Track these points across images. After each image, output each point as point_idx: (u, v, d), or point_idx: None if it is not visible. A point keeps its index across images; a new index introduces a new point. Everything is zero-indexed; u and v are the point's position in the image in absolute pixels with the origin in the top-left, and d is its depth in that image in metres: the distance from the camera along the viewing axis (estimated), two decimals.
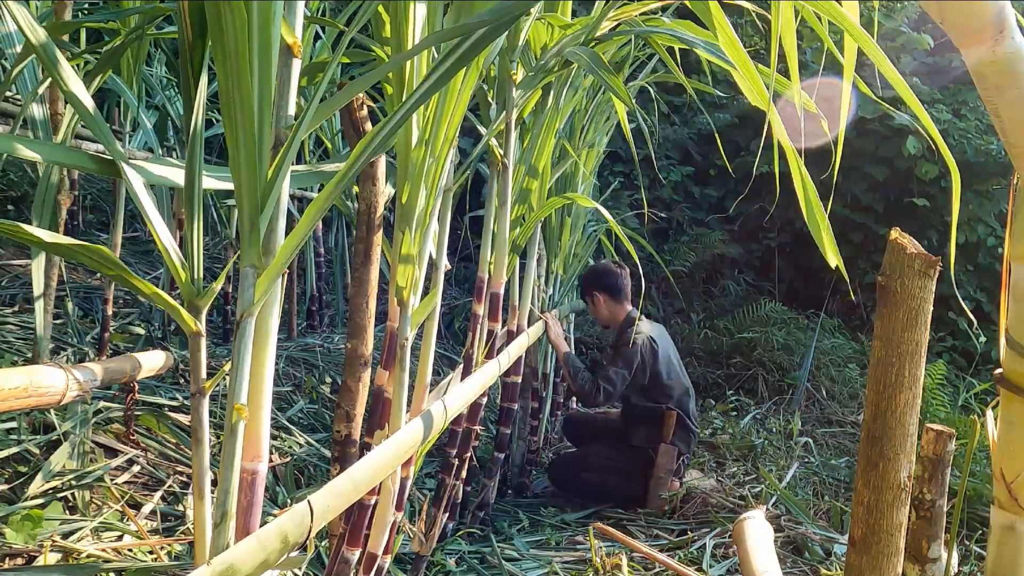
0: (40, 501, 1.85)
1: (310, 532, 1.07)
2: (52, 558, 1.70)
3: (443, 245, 1.83)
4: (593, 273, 3.47)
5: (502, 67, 2.05)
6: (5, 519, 1.74)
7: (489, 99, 2.14)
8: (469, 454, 2.37)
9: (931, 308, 0.95)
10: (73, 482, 1.96)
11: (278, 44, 0.94)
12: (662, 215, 6.16)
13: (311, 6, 3.04)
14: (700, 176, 6.83)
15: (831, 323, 5.87)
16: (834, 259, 1.66)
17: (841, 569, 2.49)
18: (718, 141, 3.04)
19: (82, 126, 2.39)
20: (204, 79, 1.02)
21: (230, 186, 0.98)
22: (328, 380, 3.42)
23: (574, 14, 2.25)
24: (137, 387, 2.13)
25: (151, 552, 1.87)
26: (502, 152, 2.12)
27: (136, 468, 2.17)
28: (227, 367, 0.99)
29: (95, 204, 4.54)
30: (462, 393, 1.92)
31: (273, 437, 2.66)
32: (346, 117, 1.54)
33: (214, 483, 0.99)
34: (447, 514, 2.35)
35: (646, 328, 3.28)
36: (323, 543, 2.15)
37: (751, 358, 5.30)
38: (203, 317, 1.01)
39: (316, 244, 4.25)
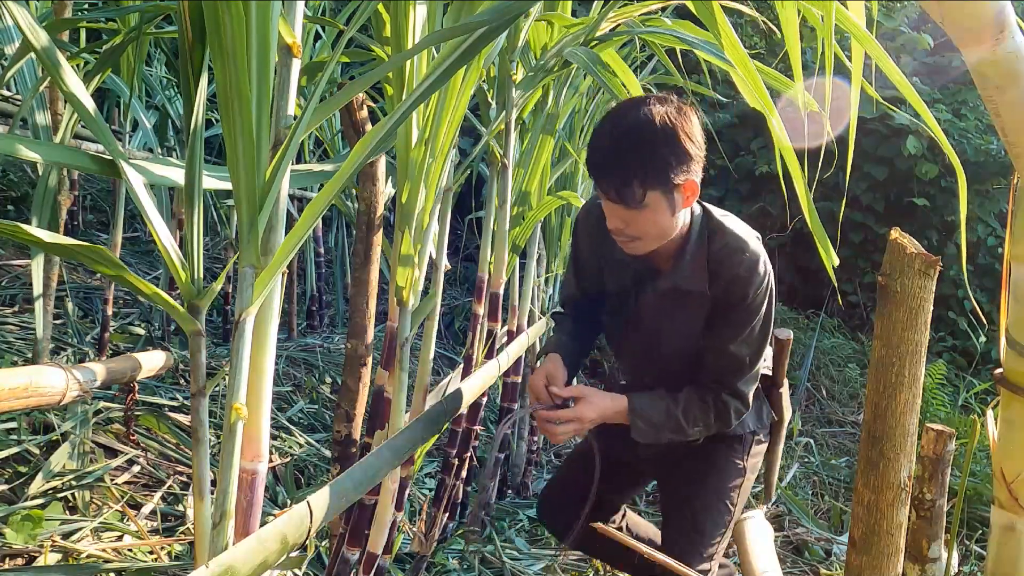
0: (40, 501, 1.85)
1: (309, 533, 1.07)
2: (52, 558, 1.70)
3: (443, 245, 1.83)
4: (649, 140, 1.40)
5: (502, 67, 2.05)
6: (5, 519, 1.74)
7: (489, 99, 2.15)
8: (469, 454, 2.37)
9: (931, 308, 0.94)
10: (73, 482, 1.95)
11: (276, 44, 0.94)
12: None
13: (311, 5, 3.04)
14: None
15: (831, 323, 5.87)
16: (832, 261, 1.66)
17: (841, 569, 2.49)
18: (717, 142, 3.04)
19: (82, 126, 2.39)
20: (204, 79, 1.02)
21: (230, 186, 0.98)
22: (328, 380, 3.42)
23: (574, 14, 2.25)
24: (137, 387, 2.12)
25: (151, 552, 1.87)
26: (502, 152, 2.12)
27: (136, 468, 2.17)
28: (227, 367, 0.99)
29: (95, 204, 4.54)
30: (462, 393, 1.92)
31: (273, 437, 2.66)
32: (346, 117, 1.54)
33: (214, 483, 0.99)
34: (447, 514, 2.35)
35: (751, 239, 1.56)
36: (323, 543, 2.15)
37: None
38: (203, 317, 1.01)
39: (316, 244, 4.24)
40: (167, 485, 2.15)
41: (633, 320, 1.65)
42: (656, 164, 1.39)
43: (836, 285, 1.86)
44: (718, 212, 1.57)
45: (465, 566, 2.38)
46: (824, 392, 4.98)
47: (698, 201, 1.53)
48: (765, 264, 1.53)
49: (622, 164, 1.40)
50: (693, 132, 1.43)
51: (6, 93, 2.74)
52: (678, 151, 1.39)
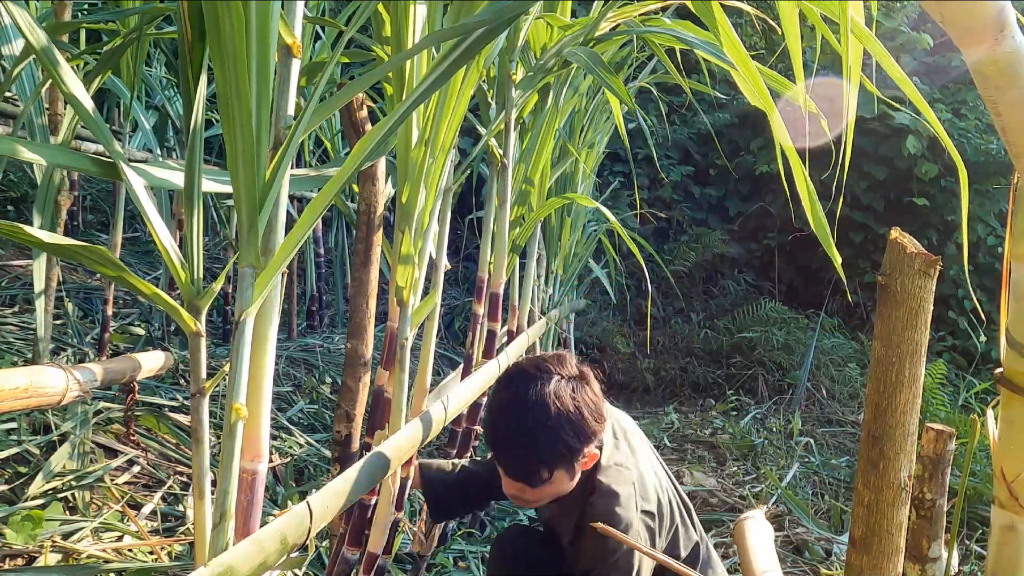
0: (40, 501, 1.85)
1: (309, 533, 1.07)
2: (52, 558, 1.70)
3: (443, 245, 1.83)
4: (529, 428, 1.39)
5: (502, 67, 2.05)
6: (5, 519, 1.74)
7: (489, 99, 2.14)
8: (469, 454, 2.37)
9: (931, 308, 0.94)
10: (73, 482, 1.95)
11: (276, 44, 0.94)
12: (662, 215, 6.16)
13: (311, 5, 3.04)
14: (700, 176, 6.83)
15: (831, 323, 5.87)
16: (836, 259, 1.66)
17: (841, 569, 2.49)
18: (716, 142, 3.03)
19: (82, 126, 2.39)
20: (204, 79, 1.02)
21: (230, 189, 0.98)
22: (328, 380, 3.42)
23: (574, 14, 2.25)
24: (137, 387, 2.12)
25: (151, 552, 1.87)
26: (502, 152, 2.12)
27: (136, 468, 2.17)
28: (227, 367, 0.99)
29: (95, 204, 4.54)
30: (462, 393, 1.92)
31: (273, 437, 2.66)
32: (346, 117, 1.54)
33: (214, 483, 0.99)
34: None
35: (627, 471, 1.50)
36: (323, 543, 2.15)
37: (751, 358, 5.31)
38: (203, 317, 1.01)
39: (316, 244, 4.24)
40: (167, 485, 2.15)
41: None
42: (561, 450, 1.37)
43: (845, 284, 1.86)
44: (605, 461, 1.49)
45: (465, 566, 2.38)
46: (824, 392, 4.98)
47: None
48: (630, 521, 1.45)
49: (527, 450, 1.36)
50: (595, 403, 1.40)
51: (6, 94, 2.75)
52: (582, 432, 1.37)
